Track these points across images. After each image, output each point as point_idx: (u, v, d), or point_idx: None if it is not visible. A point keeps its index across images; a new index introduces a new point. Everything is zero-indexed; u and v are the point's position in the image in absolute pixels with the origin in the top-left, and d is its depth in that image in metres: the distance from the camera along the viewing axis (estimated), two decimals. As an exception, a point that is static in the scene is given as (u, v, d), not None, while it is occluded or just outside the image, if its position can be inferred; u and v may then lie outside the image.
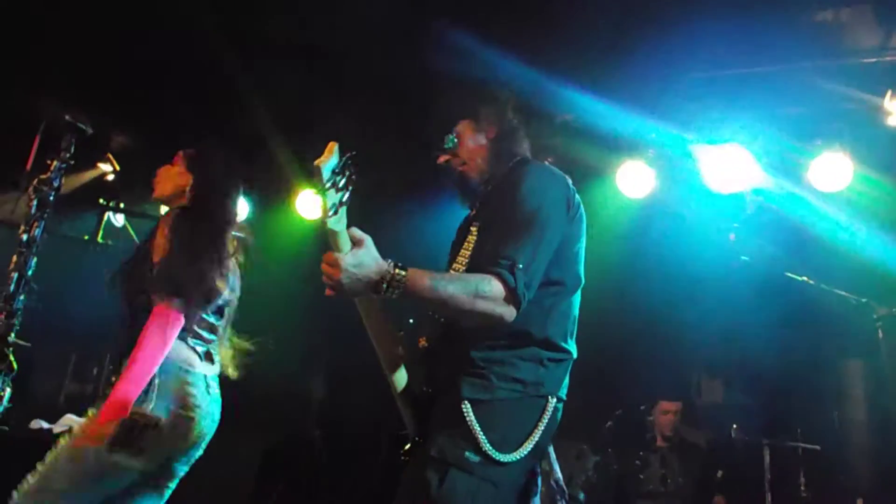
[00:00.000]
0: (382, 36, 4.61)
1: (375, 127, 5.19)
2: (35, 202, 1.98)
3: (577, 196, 2.18)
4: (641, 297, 5.01)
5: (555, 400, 2.04)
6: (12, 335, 2.01)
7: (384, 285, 1.78)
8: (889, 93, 4.64)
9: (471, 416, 1.92)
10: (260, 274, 6.26)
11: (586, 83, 4.75)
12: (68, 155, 2.10)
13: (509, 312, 1.91)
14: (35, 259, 2.05)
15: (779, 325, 4.78)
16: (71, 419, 5.03)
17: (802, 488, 4.01)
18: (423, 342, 2.21)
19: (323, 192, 1.69)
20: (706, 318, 4.82)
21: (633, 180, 5.09)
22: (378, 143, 5.30)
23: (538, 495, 2.14)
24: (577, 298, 2.20)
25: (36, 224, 1.99)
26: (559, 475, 2.28)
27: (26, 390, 5.13)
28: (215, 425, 2.54)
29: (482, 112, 2.28)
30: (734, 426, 4.09)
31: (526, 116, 2.38)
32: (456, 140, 2.25)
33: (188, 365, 2.44)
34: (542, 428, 1.98)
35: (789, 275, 4.11)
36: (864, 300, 3.82)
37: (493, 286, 1.88)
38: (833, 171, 4.71)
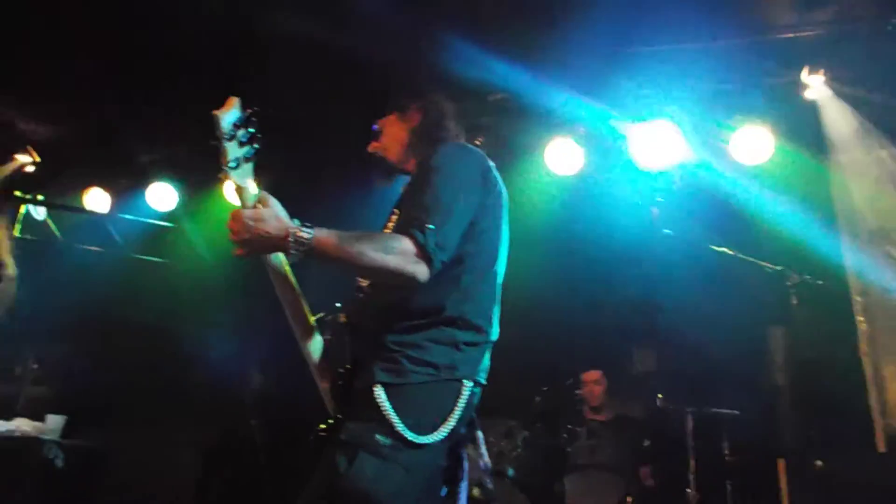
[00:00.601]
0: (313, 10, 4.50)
1: (313, 105, 5.11)
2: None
3: (495, 172, 2.21)
4: (572, 274, 5.07)
5: (471, 384, 2.02)
6: None
7: (290, 241, 1.82)
8: (806, 67, 4.78)
9: (383, 401, 1.91)
10: (191, 263, 6.16)
11: (517, 59, 4.76)
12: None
13: (421, 270, 1.91)
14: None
15: (704, 296, 4.91)
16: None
17: (727, 453, 4.14)
18: (343, 318, 2.19)
19: (223, 143, 1.77)
20: (635, 292, 4.92)
21: (562, 158, 5.14)
22: (314, 121, 5.24)
23: (465, 479, 2.15)
24: (497, 278, 2.20)
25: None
26: (487, 459, 2.29)
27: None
28: None
29: (409, 104, 2.41)
30: (659, 395, 4.20)
31: (457, 103, 2.45)
32: (379, 129, 2.41)
33: None
34: (458, 412, 1.97)
35: (711, 247, 4.20)
36: (779, 268, 3.94)
37: (403, 242, 1.90)
38: (754, 144, 4.84)
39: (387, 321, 2.02)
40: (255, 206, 1.87)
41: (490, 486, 2.26)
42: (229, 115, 1.78)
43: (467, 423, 2.18)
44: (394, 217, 2.26)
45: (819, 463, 3.57)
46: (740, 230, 4.78)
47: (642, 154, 4.98)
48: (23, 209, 5.67)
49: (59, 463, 4.68)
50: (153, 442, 5.34)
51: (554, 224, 5.18)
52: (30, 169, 5.99)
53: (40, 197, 5.88)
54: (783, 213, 4.81)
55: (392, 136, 2.39)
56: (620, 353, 5.15)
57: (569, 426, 3.94)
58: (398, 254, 1.88)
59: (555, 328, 5.00)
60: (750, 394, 4.75)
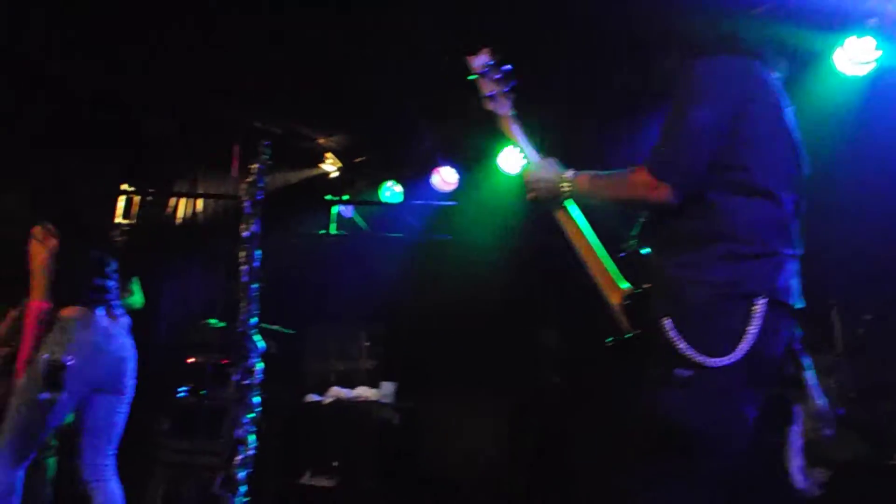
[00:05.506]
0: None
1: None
2: (247, 202, 2.32)
3: (764, 78, 2.10)
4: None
5: (764, 300, 1.88)
6: (254, 318, 2.34)
7: (565, 186, 2.23)
8: None
9: (674, 333, 1.89)
10: (477, 237, 6.51)
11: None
12: (266, 157, 2.41)
13: (661, 195, 2.02)
14: (260, 251, 2.38)
15: None
16: (337, 391, 5.77)
17: None
18: (633, 243, 2.23)
19: (477, 79, 2.36)
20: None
21: (853, 58, 4.46)
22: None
23: (797, 424, 2.06)
24: (781, 187, 2.02)
25: (252, 221, 2.33)
26: (819, 401, 2.09)
27: (298, 370, 6.02)
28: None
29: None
30: None
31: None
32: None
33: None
34: (753, 331, 1.85)
35: None
36: None
37: (637, 174, 2.07)
38: None
39: (664, 246, 2.07)
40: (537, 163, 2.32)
41: (829, 431, 2.06)
42: (479, 59, 2.36)
43: (793, 361, 2.06)
44: None
45: None
46: None
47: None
48: (334, 209, 6.57)
49: (396, 420, 5.45)
50: (465, 405, 5.88)
51: (848, 133, 4.51)
52: (334, 174, 6.93)
53: (345, 197, 6.76)
54: None
55: None
56: None
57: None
58: (635, 185, 2.06)
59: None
60: None
